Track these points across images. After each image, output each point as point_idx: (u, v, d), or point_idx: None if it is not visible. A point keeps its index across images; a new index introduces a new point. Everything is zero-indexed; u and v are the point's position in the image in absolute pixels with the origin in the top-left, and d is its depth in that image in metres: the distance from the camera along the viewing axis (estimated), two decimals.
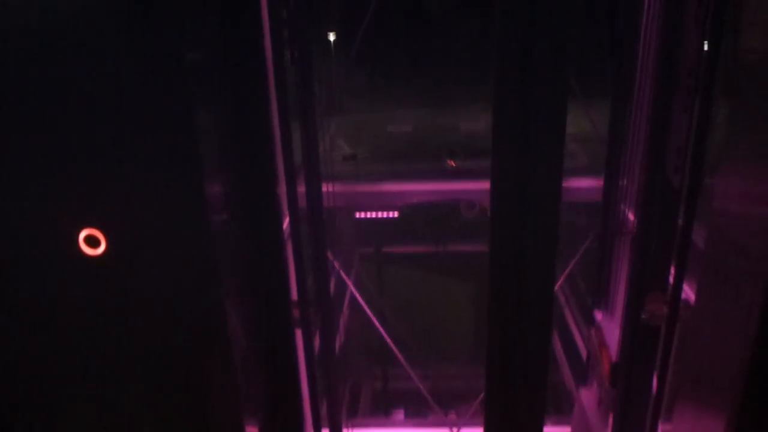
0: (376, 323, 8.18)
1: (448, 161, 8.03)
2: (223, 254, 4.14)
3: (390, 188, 7.51)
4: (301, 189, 5.22)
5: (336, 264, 7.93)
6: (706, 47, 4.49)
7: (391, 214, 8.00)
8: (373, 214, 8.21)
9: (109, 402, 3.99)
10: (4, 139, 3.29)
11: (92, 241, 3.43)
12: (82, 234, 3.41)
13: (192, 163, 3.51)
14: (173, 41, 3.27)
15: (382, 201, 7.60)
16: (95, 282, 3.56)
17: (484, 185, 7.00)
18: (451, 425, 8.00)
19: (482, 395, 5.26)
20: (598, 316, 6.66)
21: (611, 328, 6.28)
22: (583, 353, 7.49)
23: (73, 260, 3.46)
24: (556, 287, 6.77)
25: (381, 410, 12.17)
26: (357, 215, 8.88)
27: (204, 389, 4.01)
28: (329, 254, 6.42)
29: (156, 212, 3.47)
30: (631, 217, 5.82)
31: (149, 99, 3.27)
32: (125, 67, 3.17)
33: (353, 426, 7.41)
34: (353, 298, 8.85)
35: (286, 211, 5.05)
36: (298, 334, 5.33)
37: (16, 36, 3.10)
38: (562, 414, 9.04)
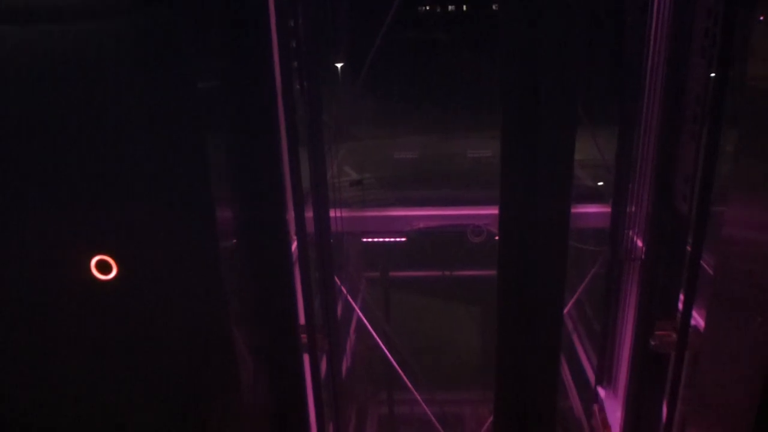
0: (383, 347, 8.15)
1: None
2: (232, 279, 4.15)
3: (397, 213, 7.52)
4: (309, 214, 5.25)
5: (343, 288, 7.93)
6: (713, 74, 4.51)
7: (398, 239, 7.99)
8: (381, 239, 8.21)
9: (114, 425, 3.99)
10: (18, 166, 3.33)
11: (104, 267, 3.46)
12: (94, 260, 3.44)
13: (202, 188, 3.54)
14: (184, 70, 3.31)
15: (389, 226, 7.60)
16: (106, 307, 3.58)
17: (491, 210, 7.04)
18: None
19: (490, 420, 5.23)
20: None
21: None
22: (591, 378, 7.43)
23: (84, 285, 3.48)
24: (564, 312, 6.74)
25: None
26: (364, 240, 8.87)
27: (210, 413, 4.00)
28: (336, 278, 6.43)
29: (166, 238, 3.49)
30: (639, 243, 5.80)
31: (161, 126, 3.31)
32: (138, 95, 3.22)
33: None
34: (360, 322, 8.83)
35: (294, 236, 5.08)
36: (306, 358, 5.32)
37: (31, 65, 3.15)
38: None
